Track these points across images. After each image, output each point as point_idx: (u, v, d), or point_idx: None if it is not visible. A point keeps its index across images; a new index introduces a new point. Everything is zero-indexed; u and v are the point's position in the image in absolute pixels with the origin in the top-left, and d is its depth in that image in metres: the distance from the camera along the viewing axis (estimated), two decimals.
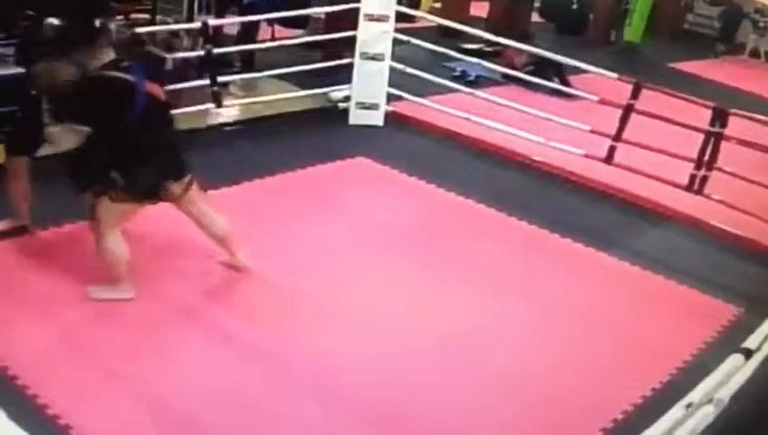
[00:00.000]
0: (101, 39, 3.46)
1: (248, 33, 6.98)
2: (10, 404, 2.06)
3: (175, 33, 6.22)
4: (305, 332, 3.71)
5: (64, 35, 3.45)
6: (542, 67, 7.61)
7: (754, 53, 13.11)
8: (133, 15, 5.85)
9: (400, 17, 6.77)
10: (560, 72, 7.79)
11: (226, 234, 3.93)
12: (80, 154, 3.52)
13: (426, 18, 7.77)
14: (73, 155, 3.56)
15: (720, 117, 5.38)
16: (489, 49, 8.28)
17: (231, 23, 7.07)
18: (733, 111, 5.43)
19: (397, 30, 6.53)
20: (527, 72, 7.33)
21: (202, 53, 5.75)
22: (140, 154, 3.50)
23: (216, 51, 5.86)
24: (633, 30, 11.47)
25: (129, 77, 3.41)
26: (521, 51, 7.46)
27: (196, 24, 6.06)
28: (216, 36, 6.35)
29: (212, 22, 6.27)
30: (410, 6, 9.75)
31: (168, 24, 6.25)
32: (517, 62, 7.86)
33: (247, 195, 5.04)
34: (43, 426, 2.87)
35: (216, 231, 3.90)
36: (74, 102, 3.43)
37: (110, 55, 3.46)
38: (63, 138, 3.49)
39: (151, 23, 5.91)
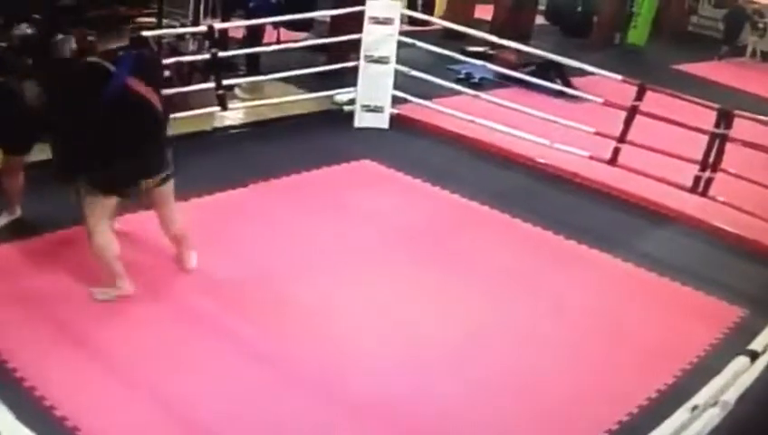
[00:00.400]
0: (113, 30, 3.64)
1: (254, 36, 7.02)
2: (18, 406, 2.08)
3: (181, 37, 6.26)
4: (311, 333, 3.73)
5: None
6: (545, 69, 7.63)
7: (754, 54, 13.12)
8: (140, 19, 5.87)
9: (408, 21, 6.80)
10: (561, 73, 7.80)
11: (183, 235, 3.99)
12: (63, 146, 3.63)
13: (430, 21, 7.79)
14: (57, 147, 3.68)
15: (725, 118, 5.39)
16: (493, 52, 8.29)
17: (236, 26, 7.10)
18: (737, 112, 5.43)
19: (402, 33, 6.55)
20: (529, 73, 7.34)
21: (208, 56, 5.78)
22: (114, 146, 3.51)
23: (222, 54, 5.90)
24: (638, 33, 11.50)
25: (107, 65, 3.45)
26: (515, 50, 7.48)
27: (202, 28, 6.09)
28: (222, 40, 6.37)
29: (218, 25, 6.30)
30: (424, 11, 9.81)
31: (174, 27, 6.28)
32: (513, 60, 7.85)
33: (253, 197, 5.06)
34: (51, 427, 2.89)
35: (174, 232, 3.96)
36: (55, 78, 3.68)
37: (109, 45, 3.56)
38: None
39: (158, 26, 5.94)
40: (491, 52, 8.34)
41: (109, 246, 3.65)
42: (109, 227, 3.70)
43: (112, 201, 3.66)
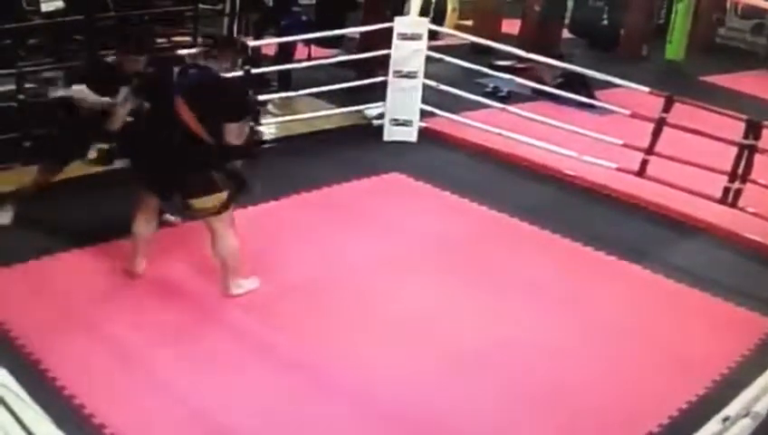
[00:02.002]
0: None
1: (285, 53, 7.17)
2: (59, 414, 2.19)
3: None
4: (341, 344, 3.80)
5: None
6: (571, 82, 7.66)
7: None
8: (176, 38, 6.05)
9: (432, 35, 6.88)
10: (586, 86, 7.82)
11: (222, 263, 4.01)
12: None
13: (458, 36, 7.88)
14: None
15: (754, 129, 5.38)
16: (521, 65, 8.35)
17: (269, 43, 7.25)
18: (766, 123, 5.42)
19: (430, 48, 6.66)
20: (556, 86, 7.38)
21: (241, 73, 5.93)
22: (146, 149, 3.83)
23: (255, 71, 6.03)
24: (674, 48, 11.39)
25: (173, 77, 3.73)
26: (549, 67, 7.52)
27: None
28: (255, 57, 6.53)
29: (251, 43, 6.46)
30: (434, 23, 9.86)
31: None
32: (546, 79, 7.91)
33: (286, 210, 5.17)
34: (80, 426, 3.01)
35: (217, 256, 4.00)
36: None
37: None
38: None
39: (193, 45, 6.11)
40: (519, 66, 8.40)
41: (133, 226, 4.00)
42: (141, 211, 4.00)
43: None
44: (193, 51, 5.66)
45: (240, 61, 6.01)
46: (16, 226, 4.47)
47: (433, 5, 10.81)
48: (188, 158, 3.70)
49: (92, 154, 4.27)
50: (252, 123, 3.99)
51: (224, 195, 3.78)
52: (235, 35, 4.53)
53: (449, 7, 11.08)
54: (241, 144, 3.75)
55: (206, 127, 3.66)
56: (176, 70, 3.80)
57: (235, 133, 3.69)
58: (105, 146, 4.19)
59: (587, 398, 3.61)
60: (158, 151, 3.76)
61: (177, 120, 3.63)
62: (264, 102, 6.41)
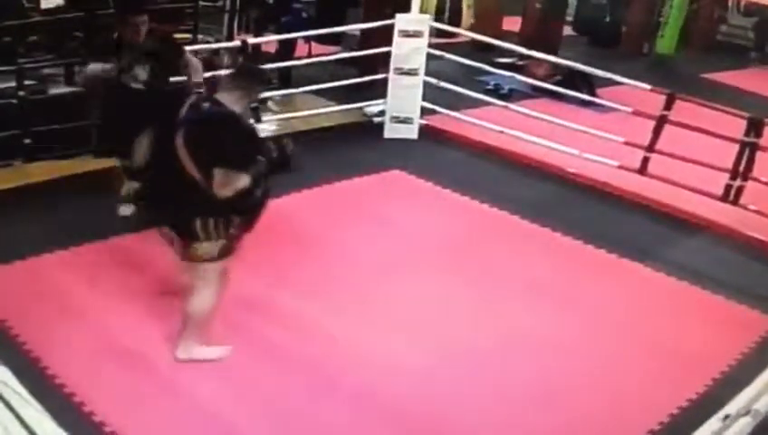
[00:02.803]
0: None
1: (286, 50, 7.17)
2: (59, 412, 2.18)
3: (215, 52, 6.41)
4: (342, 342, 3.80)
5: None
6: (572, 79, 7.65)
7: None
8: (176, 35, 6.03)
9: (437, 33, 6.87)
10: (588, 83, 7.81)
11: (185, 318, 3.53)
12: None
13: (459, 33, 7.87)
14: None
15: (755, 127, 5.38)
16: (522, 63, 8.35)
17: (269, 41, 7.25)
18: None
19: (431, 45, 6.65)
20: (556, 83, 7.37)
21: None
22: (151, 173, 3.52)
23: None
24: (666, 42, 11.41)
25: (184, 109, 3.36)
26: (541, 63, 7.51)
27: (236, 43, 6.24)
28: (255, 54, 6.52)
29: (251, 40, 6.45)
30: (450, 22, 9.89)
31: (208, 42, 6.45)
32: (539, 74, 7.89)
33: (286, 207, 5.14)
34: (80, 423, 3.00)
35: (183, 306, 3.52)
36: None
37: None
38: None
39: (193, 41, 6.10)
40: (519, 63, 8.39)
41: None
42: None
43: None
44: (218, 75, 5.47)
45: (240, 58, 6.05)
46: (16, 223, 4.47)
47: (448, 4, 10.84)
48: (179, 197, 3.30)
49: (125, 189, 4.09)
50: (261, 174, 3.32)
51: (213, 246, 3.32)
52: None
53: (464, 5, 11.08)
54: (234, 196, 3.22)
55: (203, 171, 3.21)
56: (189, 101, 3.39)
57: (219, 181, 3.17)
58: (135, 185, 3.93)
59: (587, 395, 3.60)
60: (155, 183, 3.45)
61: (174, 155, 3.24)
62: (265, 100, 6.41)
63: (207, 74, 5.89)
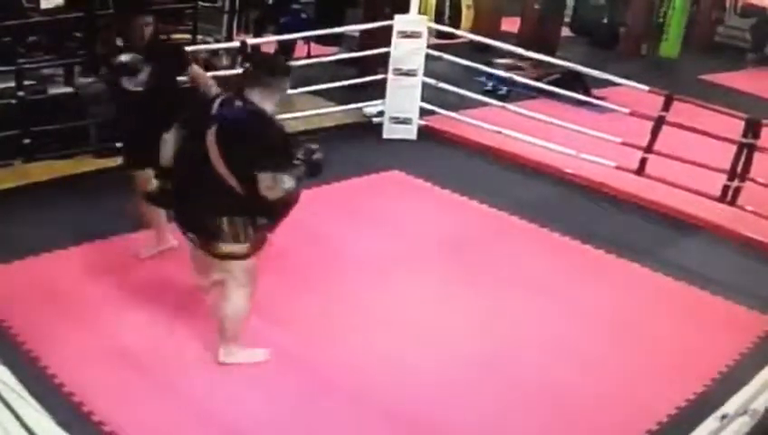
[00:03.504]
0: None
1: (285, 50, 7.18)
2: (58, 411, 2.19)
3: (215, 52, 6.42)
4: (341, 341, 3.81)
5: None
6: (570, 80, 7.66)
7: None
8: (175, 36, 6.05)
9: (436, 34, 6.87)
10: (583, 84, 7.81)
11: (219, 324, 3.51)
12: None
13: (458, 34, 7.89)
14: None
15: (753, 128, 5.39)
16: (520, 64, 8.35)
17: (268, 41, 7.25)
18: (765, 121, 5.43)
19: (431, 47, 6.66)
20: (555, 84, 7.38)
21: (240, 70, 5.92)
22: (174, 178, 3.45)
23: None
24: (670, 45, 11.38)
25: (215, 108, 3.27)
26: (537, 63, 7.52)
27: (235, 44, 6.25)
28: (254, 54, 6.52)
29: (250, 41, 6.46)
30: (451, 23, 9.90)
31: (208, 43, 6.45)
32: (532, 76, 7.88)
33: None
34: (79, 423, 3.00)
35: (216, 312, 3.51)
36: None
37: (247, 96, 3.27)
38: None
39: (192, 42, 6.11)
40: (518, 64, 8.40)
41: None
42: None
43: None
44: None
45: (239, 58, 6.06)
46: (15, 223, 4.48)
47: (449, 4, 10.84)
48: (205, 197, 3.25)
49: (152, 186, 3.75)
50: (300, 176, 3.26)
51: (242, 247, 3.30)
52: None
53: (464, 5, 11.08)
54: (279, 200, 3.21)
55: (237, 172, 3.17)
56: (219, 99, 3.31)
57: (268, 184, 3.13)
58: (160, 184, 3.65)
59: (584, 396, 3.62)
60: (182, 186, 3.36)
61: (202, 153, 3.18)
62: None
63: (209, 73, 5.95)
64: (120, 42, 4.18)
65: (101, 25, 5.48)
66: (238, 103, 3.23)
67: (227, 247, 3.28)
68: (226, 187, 3.18)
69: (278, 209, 3.32)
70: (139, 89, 4.12)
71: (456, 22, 10.55)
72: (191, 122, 3.35)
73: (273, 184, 3.14)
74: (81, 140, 5.36)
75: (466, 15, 11.05)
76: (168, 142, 3.45)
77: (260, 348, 3.58)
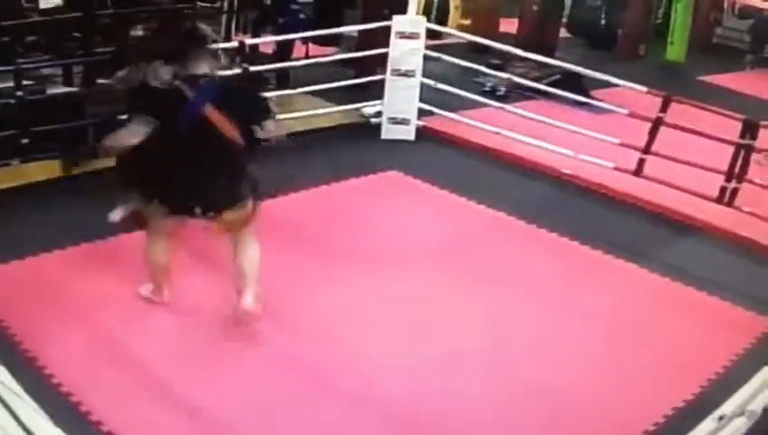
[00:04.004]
0: (192, 54, 3.51)
1: (283, 51, 7.17)
2: (56, 411, 2.19)
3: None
4: (339, 341, 3.82)
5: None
6: (569, 81, 7.66)
7: None
8: None
9: (431, 34, 6.89)
10: (581, 85, 7.82)
11: (247, 273, 3.73)
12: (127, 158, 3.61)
13: (456, 35, 7.90)
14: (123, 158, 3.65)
15: (750, 129, 5.41)
16: (518, 64, 8.36)
17: (267, 41, 7.26)
18: (763, 123, 5.45)
19: (430, 47, 6.66)
20: (553, 85, 7.39)
21: (239, 71, 5.93)
22: (175, 169, 3.51)
23: (253, 69, 6.03)
24: (675, 48, 11.35)
25: (186, 91, 3.41)
26: (535, 65, 7.53)
27: (234, 44, 6.25)
28: (253, 55, 6.53)
29: (248, 41, 6.46)
30: (438, 23, 9.87)
31: None
32: (530, 77, 7.88)
33: (283, 208, 5.16)
34: (77, 423, 3.01)
35: (241, 265, 3.73)
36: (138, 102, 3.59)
37: (198, 69, 3.49)
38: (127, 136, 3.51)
39: None
40: (516, 64, 8.41)
41: (153, 256, 3.78)
42: (159, 239, 3.76)
43: (166, 217, 3.66)
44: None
45: (238, 59, 6.05)
46: (13, 223, 4.48)
47: (435, 4, 10.82)
48: (225, 168, 3.55)
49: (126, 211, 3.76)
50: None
51: (250, 202, 3.66)
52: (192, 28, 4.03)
53: (452, 6, 11.07)
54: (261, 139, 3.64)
55: (244, 125, 3.53)
56: (189, 84, 3.45)
57: (276, 128, 3.69)
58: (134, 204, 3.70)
59: (582, 396, 3.62)
60: (190, 170, 3.50)
61: (208, 131, 3.42)
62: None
63: None
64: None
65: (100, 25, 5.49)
66: (208, 78, 3.52)
67: (247, 207, 3.63)
68: (236, 148, 3.51)
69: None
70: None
71: (442, 22, 10.51)
72: (164, 114, 3.43)
73: (279, 126, 3.69)
74: (80, 140, 5.36)
75: (453, 16, 11.03)
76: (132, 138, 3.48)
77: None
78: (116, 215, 4.39)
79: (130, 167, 3.60)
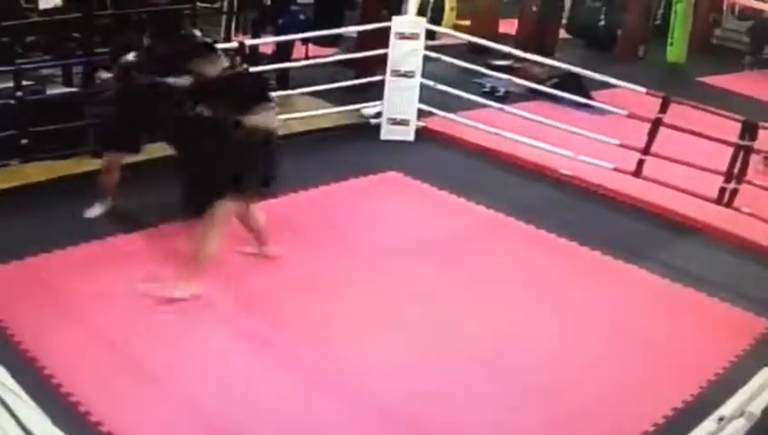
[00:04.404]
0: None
1: (283, 51, 7.18)
2: (56, 411, 2.19)
3: None
4: (337, 339, 3.82)
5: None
6: (568, 82, 7.68)
7: None
8: None
9: (430, 35, 6.90)
10: (581, 86, 7.83)
11: (261, 226, 4.35)
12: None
13: (455, 36, 7.90)
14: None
15: (749, 130, 5.41)
16: (518, 65, 8.38)
17: (267, 42, 7.26)
18: (762, 124, 5.45)
19: (427, 47, 6.67)
20: (553, 86, 7.40)
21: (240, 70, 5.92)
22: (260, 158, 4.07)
23: (253, 69, 6.03)
24: (676, 50, 11.35)
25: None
26: (538, 64, 7.54)
27: (234, 44, 6.24)
28: (253, 55, 6.53)
29: (248, 42, 6.46)
30: (432, 22, 9.86)
31: None
32: (537, 72, 7.91)
33: (283, 208, 5.16)
34: (76, 423, 3.01)
35: (259, 223, 4.32)
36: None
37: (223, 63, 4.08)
38: None
39: None
40: (516, 65, 8.42)
41: (213, 247, 4.03)
42: (222, 229, 4.07)
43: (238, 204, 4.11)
44: None
45: (238, 59, 6.04)
46: (13, 223, 4.48)
47: (431, 5, 10.81)
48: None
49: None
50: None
51: None
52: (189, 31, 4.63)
53: (447, 6, 11.07)
54: None
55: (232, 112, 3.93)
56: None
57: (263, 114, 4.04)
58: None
59: (581, 397, 3.62)
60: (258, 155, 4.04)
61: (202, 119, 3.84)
62: None
63: None
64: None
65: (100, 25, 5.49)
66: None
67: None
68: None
69: None
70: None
71: (436, 23, 10.50)
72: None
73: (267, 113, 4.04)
74: (79, 140, 5.36)
75: (448, 16, 11.02)
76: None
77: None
78: (93, 212, 4.49)
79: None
